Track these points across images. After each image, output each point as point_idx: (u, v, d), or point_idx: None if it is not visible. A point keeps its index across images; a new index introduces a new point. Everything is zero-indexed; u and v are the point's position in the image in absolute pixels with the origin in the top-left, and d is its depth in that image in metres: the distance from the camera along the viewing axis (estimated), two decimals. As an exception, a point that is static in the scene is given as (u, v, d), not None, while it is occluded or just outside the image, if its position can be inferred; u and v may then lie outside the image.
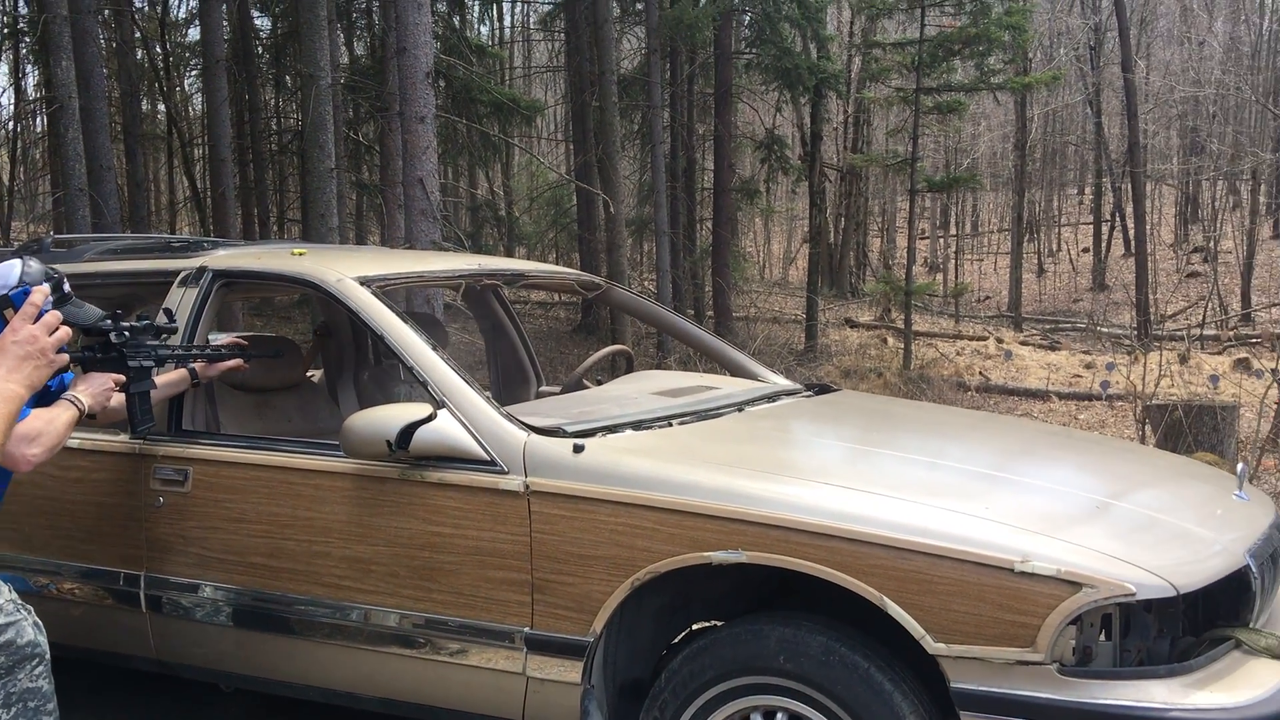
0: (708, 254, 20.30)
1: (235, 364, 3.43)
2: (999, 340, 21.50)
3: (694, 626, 3.12)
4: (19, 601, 2.85)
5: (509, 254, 19.59)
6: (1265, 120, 26.93)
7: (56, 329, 2.17)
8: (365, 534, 2.97)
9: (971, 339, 21.81)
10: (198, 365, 3.33)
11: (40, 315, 2.21)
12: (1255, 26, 28.73)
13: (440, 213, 10.09)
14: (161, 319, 3.18)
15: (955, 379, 17.45)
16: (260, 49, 19.40)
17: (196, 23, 20.84)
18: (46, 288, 2.24)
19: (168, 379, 3.25)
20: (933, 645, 2.42)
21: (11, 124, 19.75)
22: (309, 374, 4.47)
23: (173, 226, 21.87)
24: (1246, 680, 2.41)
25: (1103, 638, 2.39)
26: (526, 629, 2.81)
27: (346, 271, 3.32)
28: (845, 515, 2.52)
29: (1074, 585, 2.33)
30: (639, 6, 19.61)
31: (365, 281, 3.28)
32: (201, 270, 3.48)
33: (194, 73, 21.84)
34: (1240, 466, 3.18)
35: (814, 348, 19.53)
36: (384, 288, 3.32)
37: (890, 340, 20.73)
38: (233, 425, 3.63)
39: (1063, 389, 16.98)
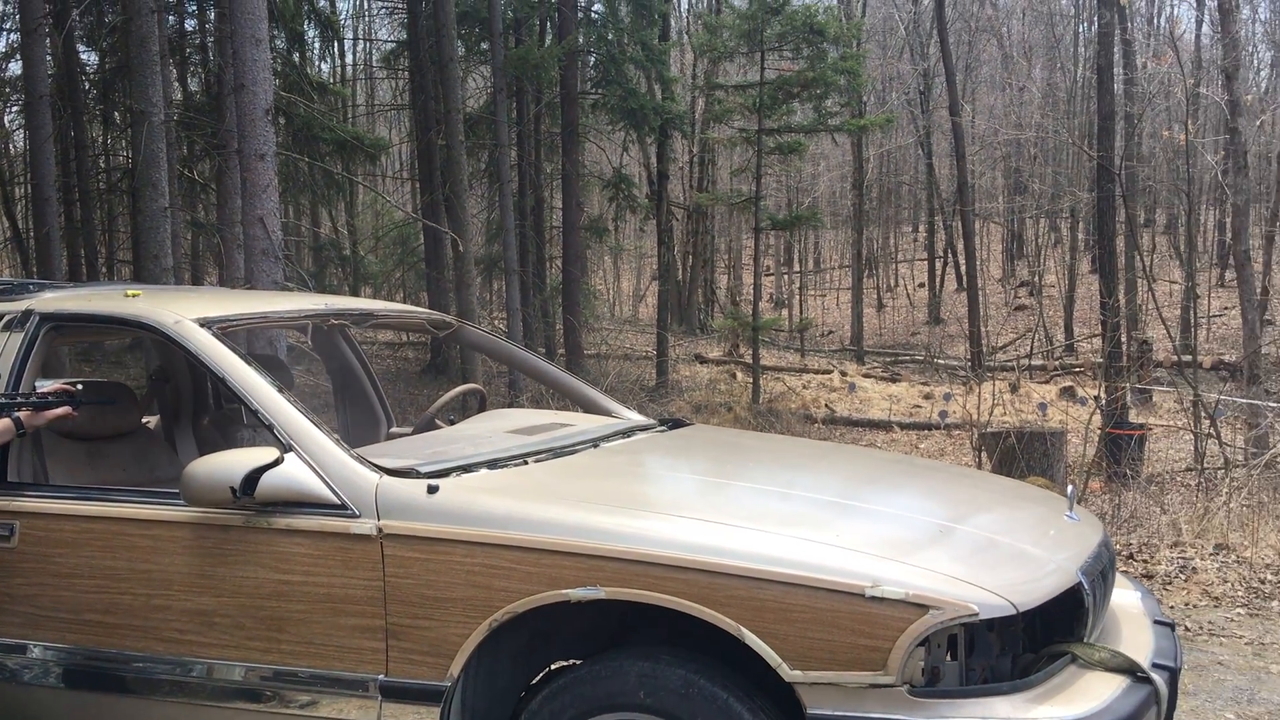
0: (558, 292, 20.35)
1: (64, 412, 3.23)
2: (843, 373, 22.14)
3: (553, 666, 3.09)
4: None
5: (355, 294, 19.20)
6: (1082, 161, 28.62)
7: None
8: (209, 585, 2.86)
9: (817, 372, 22.39)
10: (23, 414, 3.15)
11: None
12: (1070, 74, 30.56)
13: (282, 252, 9.83)
14: None
15: (802, 411, 17.89)
16: (87, 84, 18.64)
17: (18, 57, 19.92)
18: None
19: None
20: (789, 673, 2.45)
21: None
22: (145, 421, 4.28)
23: (-8, 269, 20.74)
24: (1083, 693, 2.52)
25: (949, 658, 2.47)
26: (381, 676, 2.73)
27: (185, 313, 3.20)
28: (701, 547, 2.55)
29: (921, 608, 2.40)
30: (484, 46, 19.63)
31: (205, 323, 3.17)
32: (27, 314, 3.30)
33: (15, 109, 20.82)
34: (1070, 489, 3.35)
35: (665, 383, 19.75)
36: (225, 329, 3.21)
37: (739, 375, 21.13)
38: (63, 476, 3.44)
39: (904, 419, 17.60)
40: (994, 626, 2.47)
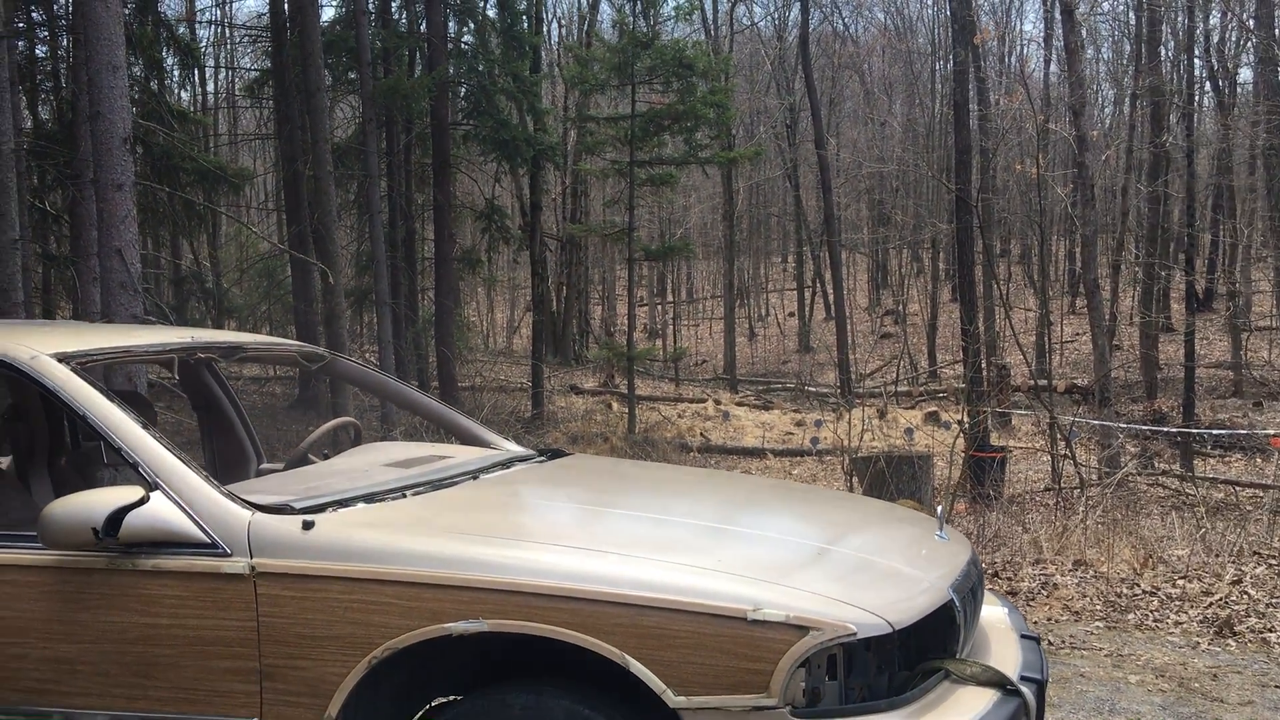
0: (430, 324, 20.13)
1: None
2: (717, 402, 22.42)
3: (433, 703, 3.04)
4: None
5: (218, 327, 18.65)
6: (941, 193, 29.71)
7: None
8: (70, 631, 2.73)
9: (692, 401, 22.63)
10: None
11: None
12: (928, 109, 31.73)
13: (141, 285, 9.50)
14: None
15: (678, 440, 18.05)
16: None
17: None
18: None
19: None
20: (674, 699, 2.46)
21: None
22: (-4, 461, 4.08)
23: None
24: (957, 707, 2.59)
25: (828, 678, 2.51)
26: (255, 720, 2.65)
27: (41, 348, 3.07)
28: (583, 576, 2.54)
29: (802, 629, 2.44)
30: (352, 75, 19.38)
31: (63, 358, 3.04)
32: None
33: None
34: (939, 509, 3.45)
35: (541, 415, 19.69)
36: (84, 364, 3.09)
37: (615, 405, 21.19)
38: (-95, 521, 3.25)
39: (777, 446, 17.90)
40: (871, 645, 2.53)
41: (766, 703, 2.43)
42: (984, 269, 18.37)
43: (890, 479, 8.16)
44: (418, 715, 3.01)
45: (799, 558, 2.91)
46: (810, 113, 26.30)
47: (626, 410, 19.16)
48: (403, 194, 20.26)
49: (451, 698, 3.01)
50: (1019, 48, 35.49)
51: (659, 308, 37.24)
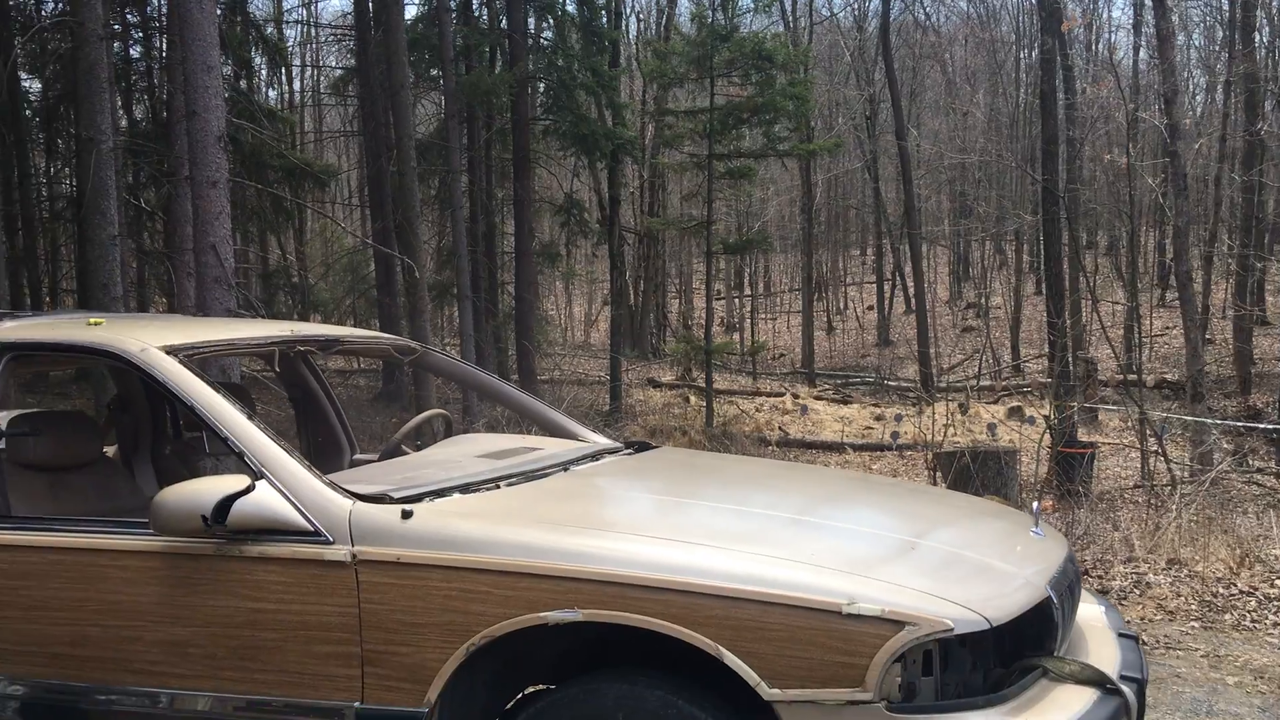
0: (510, 318, 20.31)
1: None
2: (795, 396, 22.28)
3: (526, 690, 3.08)
4: None
5: (304, 321, 19.02)
6: (1025, 184, 29.16)
7: None
8: (180, 615, 2.82)
9: (769, 395, 22.52)
10: None
11: None
12: (1012, 99, 31.15)
13: (234, 280, 9.75)
14: None
15: (756, 434, 17.98)
16: (30, 112, 18.36)
17: (-44, 83, 19.59)
18: None
19: None
20: (768, 691, 2.47)
21: None
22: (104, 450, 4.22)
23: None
24: (1057, 706, 2.56)
25: (923, 674, 2.50)
26: (357, 704, 2.71)
27: (150, 341, 3.17)
28: (677, 568, 2.56)
29: (897, 624, 2.43)
30: (434, 72, 19.64)
31: (172, 350, 3.14)
32: (-11, 343, 3.25)
33: (-45, 136, 20.47)
34: (1035, 505, 3.41)
35: (619, 408, 19.75)
36: (191, 357, 3.19)
37: (692, 399, 21.18)
38: (24, 507, 3.38)
39: (856, 440, 17.73)
40: (967, 642, 2.50)
41: (861, 697, 2.43)
42: (1071, 261, 18.00)
43: (975, 474, 8.05)
44: (511, 702, 3.06)
45: (887, 551, 2.89)
46: (891, 104, 26.00)
47: (704, 404, 19.14)
48: (483, 189, 20.48)
49: (543, 686, 3.05)
50: (1107, 35, 34.70)
51: (736, 301, 37.13)
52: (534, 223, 20.90)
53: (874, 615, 2.44)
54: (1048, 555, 3.02)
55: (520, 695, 3.08)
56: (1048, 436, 10.22)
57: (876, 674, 2.42)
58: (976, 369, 25.20)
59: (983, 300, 31.25)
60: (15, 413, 3.47)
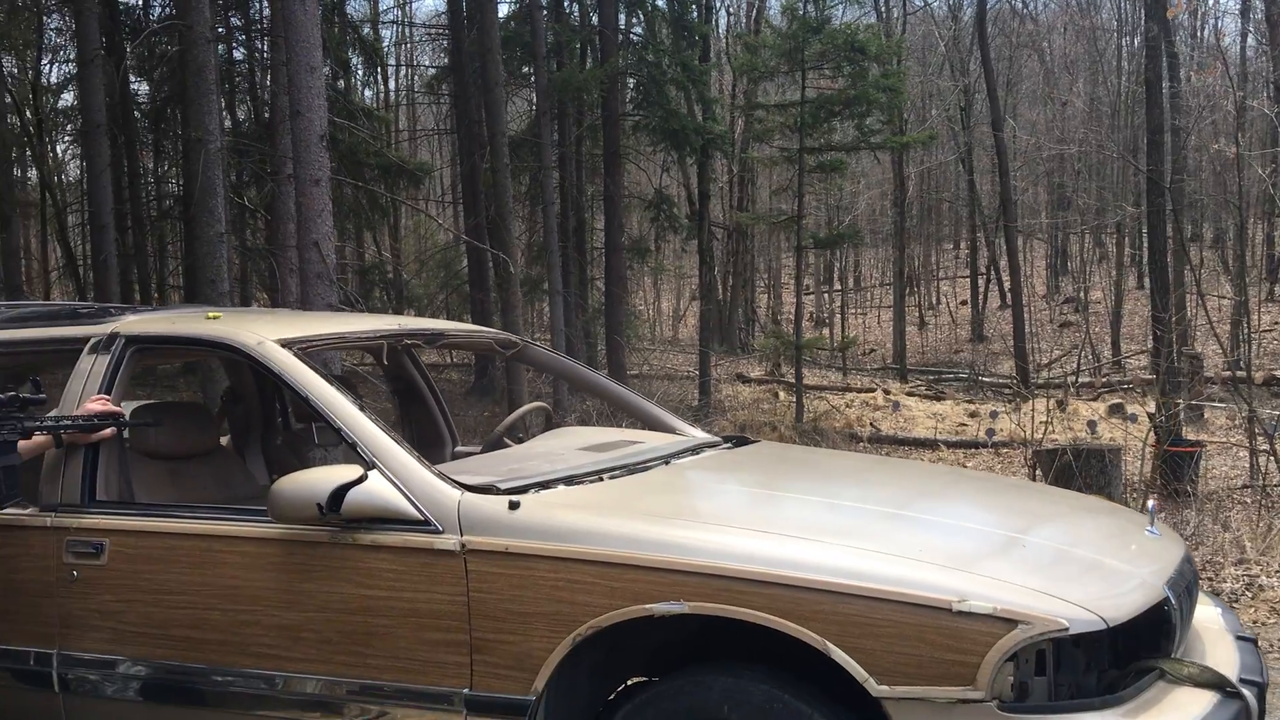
0: (599, 313, 20.42)
1: (110, 433, 3.26)
2: (886, 392, 22.00)
3: (628, 681, 3.10)
4: None
5: (399, 315, 19.35)
6: (1127, 175, 28.38)
7: None
8: (296, 600, 2.90)
9: (860, 391, 22.27)
10: (67, 436, 3.19)
11: None
12: (1113, 88, 30.35)
13: (335, 276, 9.96)
14: (28, 390, 3.07)
15: (847, 430, 17.79)
16: (138, 114, 18.99)
17: (71, 87, 20.36)
18: None
19: (31, 445, 3.14)
20: (876, 688, 2.45)
21: None
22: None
23: (46, 295, 21.12)
24: (1175, 708, 2.50)
25: (1035, 674, 2.46)
26: (466, 690, 2.76)
27: (266, 334, 3.26)
28: (785, 562, 2.56)
29: (1010, 622, 2.40)
30: (525, 70, 19.82)
31: (287, 344, 3.23)
32: (113, 336, 3.38)
33: (67, 138, 21.27)
34: (1150, 503, 3.32)
35: (708, 403, 19.71)
36: (306, 349, 3.27)
37: (781, 394, 21.06)
38: (146, 494, 3.51)
39: (950, 437, 17.45)
40: (1082, 642, 2.46)
41: (973, 695, 2.40)
42: (1176, 254, 17.48)
43: (1078, 473, 7.87)
44: (612, 694, 3.08)
45: (991, 547, 2.86)
46: (986, 94, 25.51)
47: (793, 399, 19.01)
48: (574, 185, 20.62)
49: (644, 678, 3.07)
50: (1213, 20, 33.59)
51: (825, 296, 36.80)
52: (623, 218, 20.97)
53: (986, 613, 2.41)
54: (1165, 555, 2.95)
55: (621, 687, 3.11)
56: (1153, 435, 9.95)
57: (988, 673, 2.39)
58: (1075, 365, 24.61)
59: (1081, 294, 30.51)
60: (138, 404, 3.59)
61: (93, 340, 3.39)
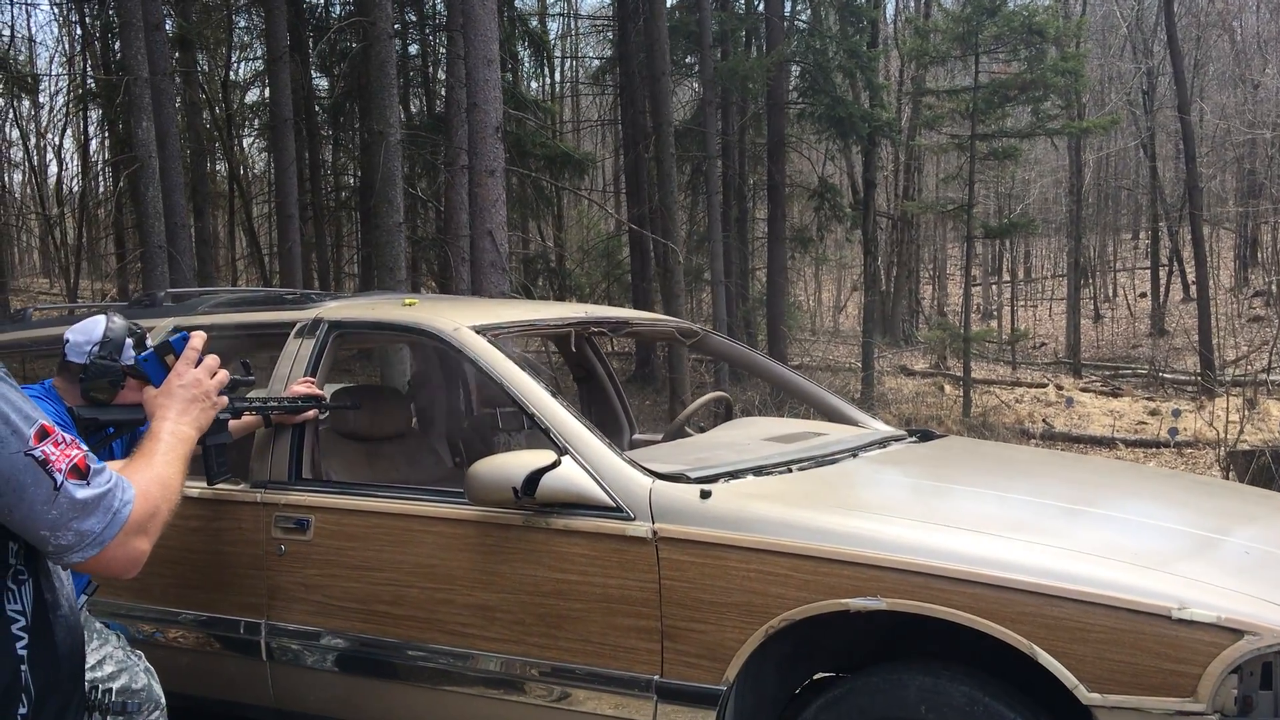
0: (760, 303, 20.29)
1: (313, 414, 3.40)
2: (1059, 387, 21.21)
3: (815, 676, 3.07)
4: (129, 649, 2.88)
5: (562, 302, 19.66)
6: (1327, 161, 26.61)
7: (216, 372, 2.20)
8: (490, 581, 2.96)
9: (1030, 386, 21.54)
10: (275, 417, 3.34)
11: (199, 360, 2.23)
12: (1312, 68, 28.49)
13: (507, 264, 10.17)
14: (239, 371, 3.21)
15: (1018, 426, 17.22)
16: (319, 109, 19.79)
17: (256, 84, 21.38)
18: (203, 334, 2.27)
19: (241, 424, 3.29)
20: (1087, 695, 2.36)
21: (79, 185, 20.29)
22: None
23: (233, 282, 22.28)
24: None
25: (1260, 687, 2.32)
26: (657, 677, 2.77)
27: (461, 321, 3.34)
28: (989, 561, 2.48)
29: (1236, 633, 2.27)
30: (689, 59, 19.83)
31: (481, 330, 3.30)
32: (317, 321, 3.52)
33: (254, 132, 22.35)
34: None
35: (871, 395, 19.37)
36: (498, 335, 3.34)
37: (947, 388, 20.53)
38: (344, 474, 3.65)
39: (1129, 436, 16.69)
40: (1309, 656, 2.31)
41: (1194, 708, 2.28)
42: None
43: (1277, 477, 7.41)
44: (799, 688, 3.05)
45: (1223, 556, 2.73)
46: (1172, 76, 24.24)
47: (960, 393, 18.51)
48: (736, 174, 20.53)
49: (832, 673, 3.03)
50: None
51: (994, 288, 35.68)
52: (786, 207, 20.78)
53: (1209, 622, 2.28)
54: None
55: (808, 681, 3.08)
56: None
57: (1211, 685, 2.27)
58: (1266, 362, 23.22)
59: (1273, 288, 28.74)
60: (337, 386, 3.73)
61: (299, 325, 3.53)
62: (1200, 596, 2.33)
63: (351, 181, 20.85)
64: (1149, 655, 2.31)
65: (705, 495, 2.80)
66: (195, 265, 15.38)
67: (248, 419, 3.29)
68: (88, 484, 1.64)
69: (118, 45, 16.77)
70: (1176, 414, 16.64)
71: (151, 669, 2.90)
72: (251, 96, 22.08)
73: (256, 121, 21.63)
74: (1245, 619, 2.28)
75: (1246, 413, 14.25)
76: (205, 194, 16.94)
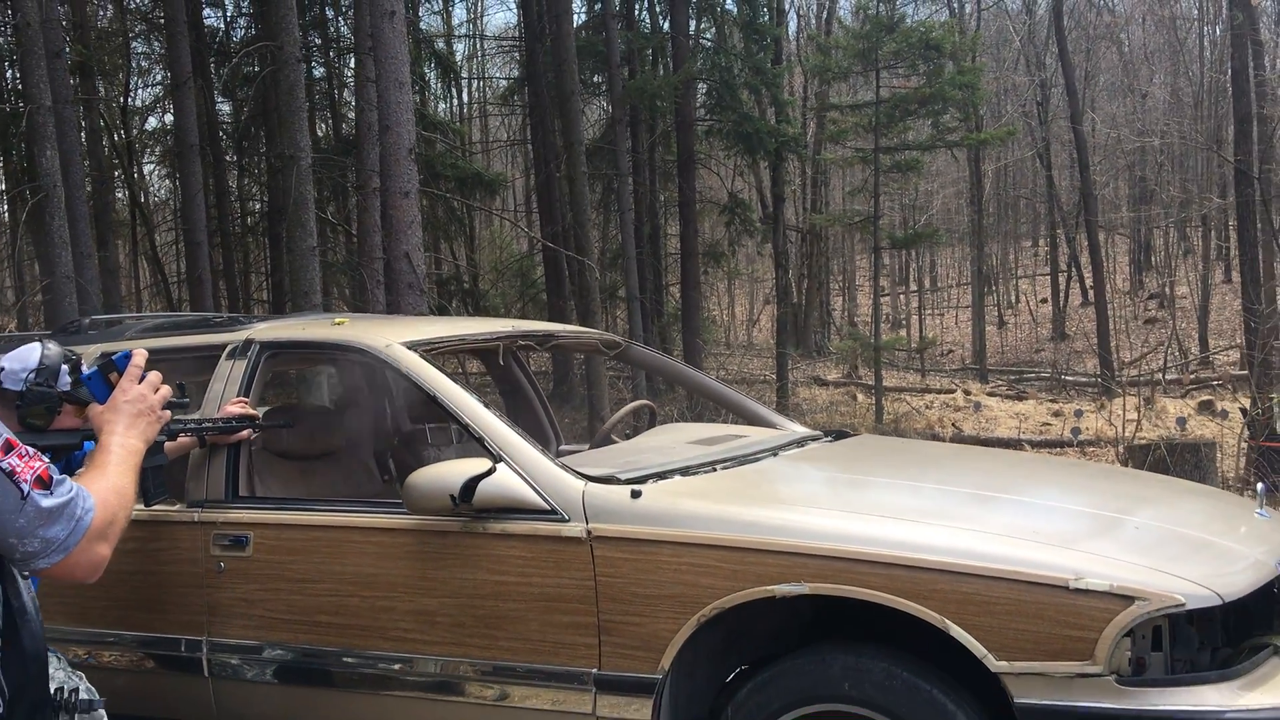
0: (675, 318, 20.54)
1: (246, 434, 3.47)
2: (966, 392, 21.79)
3: (746, 663, 3.21)
4: (70, 670, 2.92)
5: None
6: (1212, 167, 27.78)
7: (159, 388, 2.28)
8: (430, 587, 3.06)
9: (939, 392, 22.10)
10: (210, 437, 3.39)
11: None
12: (1195, 78, 29.74)
13: (424, 285, 10.21)
14: (174, 394, 3.26)
15: (928, 431, 17.66)
16: (224, 134, 19.56)
17: (156, 110, 21.04)
18: (145, 351, 2.34)
19: (177, 445, 3.34)
20: (995, 664, 2.54)
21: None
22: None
23: (139, 311, 21.81)
24: (1292, 682, 2.55)
25: (1152, 649, 2.53)
26: (595, 670, 2.90)
27: (393, 338, 3.44)
28: (903, 544, 2.65)
29: (1127, 599, 2.47)
30: (596, 79, 20.04)
31: (412, 346, 3.40)
32: (249, 343, 3.58)
33: (155, 159, 21.98)
34: (1260, 486, 3.36)
35: (786, 406, 19.66)
36: (430, 351, 3.44)
37: (860, 396, 20.97)
38: (279, 492, 3.70)
39: (1034, 437, 17.23)
40: (1196, 618, 2.53)
41: (1092, 670, 2.47)
42: (1266, 245, 17.12)
43: (1172, 468, 7.79)
44: (730, 675, 3.19)
45: (1110, 529, 2.95)
46: (1064, 88, 25.16)
47: (872, 401, 18.96)
48: (648, 191, 20.78)
49: (762, 657, 3.18)
50: (1298, 5, 32.65)
51: (901, 297, 36.51)
52: (698, 223, 21.07)
53: (1102, 590, 2.48)
54: (1276, 536, 2.99)
55: (741, 666, 3.22)
56: (1246, 430, 9.78)
57: (1107, 648, 2.46)
58: (1161, 362, 24.14)
59: (1166, 290, 29.93)
60: (268, 407, 3.79)
61: (230, 347, 3.59)
62: (1094, 568, 2.53)
63: (258, 207, 20.63)
64: (1050, 624, 2.50)
65: (636, 495, 2.94)
66: (102, 296, 15.11)
67: (183, 440, 3.34)
68: (51, 493, 1.73)
69: (11, 74, 16.45)
70: (1079, 414, 17.23)
71: (93, 689, 2.93)
72: (152, 122, 21.72)
73: (158, 148, 21.27)
74: (1135, 586, 2.48)
75: (1144, 410, 14.83)
76: (108, 223, 16.61)
